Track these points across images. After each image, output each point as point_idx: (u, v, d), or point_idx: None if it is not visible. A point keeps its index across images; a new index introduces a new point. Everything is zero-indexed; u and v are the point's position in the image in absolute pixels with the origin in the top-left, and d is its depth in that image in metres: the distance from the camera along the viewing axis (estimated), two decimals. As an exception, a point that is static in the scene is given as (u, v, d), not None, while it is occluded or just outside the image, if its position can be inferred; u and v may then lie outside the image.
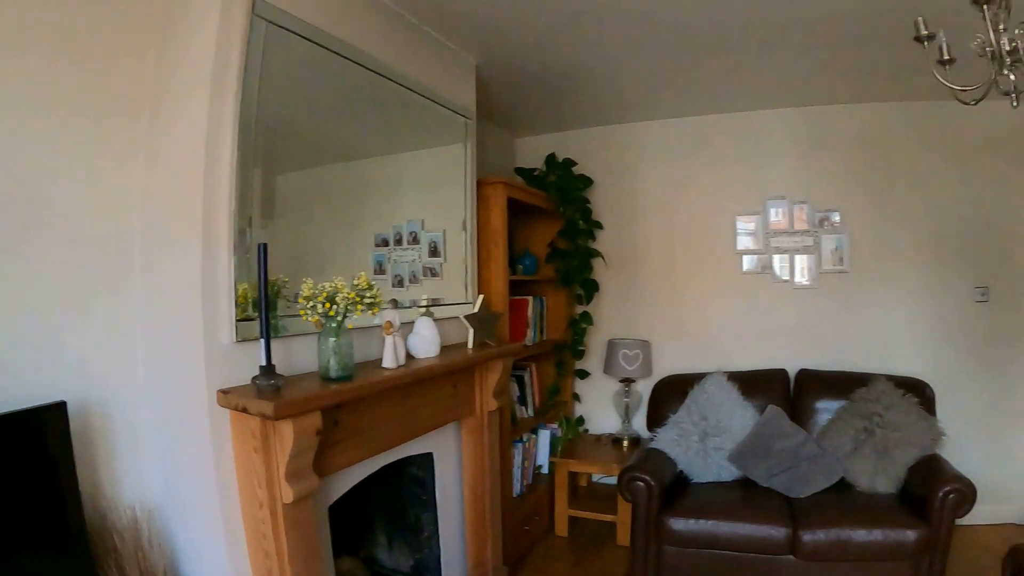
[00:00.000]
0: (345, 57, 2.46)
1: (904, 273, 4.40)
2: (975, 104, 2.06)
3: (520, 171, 4.62)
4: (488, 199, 3.63)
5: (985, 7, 1.76)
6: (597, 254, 4.66)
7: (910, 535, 3.15)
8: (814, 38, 3.27)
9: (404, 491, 3.01)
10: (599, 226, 4.71)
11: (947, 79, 2.03)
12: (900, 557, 3.17)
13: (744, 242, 4.62)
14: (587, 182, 4.59)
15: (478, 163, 3.71)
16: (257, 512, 1.92)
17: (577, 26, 3.10)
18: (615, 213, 4.81)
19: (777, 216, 4.56)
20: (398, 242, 2.97)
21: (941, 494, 3.15)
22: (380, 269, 2.86)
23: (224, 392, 1.88)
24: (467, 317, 2.97)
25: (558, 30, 3.13)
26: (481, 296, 3.14)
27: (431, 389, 2.72)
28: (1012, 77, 1.85)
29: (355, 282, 2.15)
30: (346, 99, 2.60)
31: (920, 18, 1.98)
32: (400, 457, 2.70)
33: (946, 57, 2.03)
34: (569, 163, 4.56)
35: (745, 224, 4.61)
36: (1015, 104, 1.91)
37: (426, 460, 2.93)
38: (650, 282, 4.78)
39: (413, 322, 2.69)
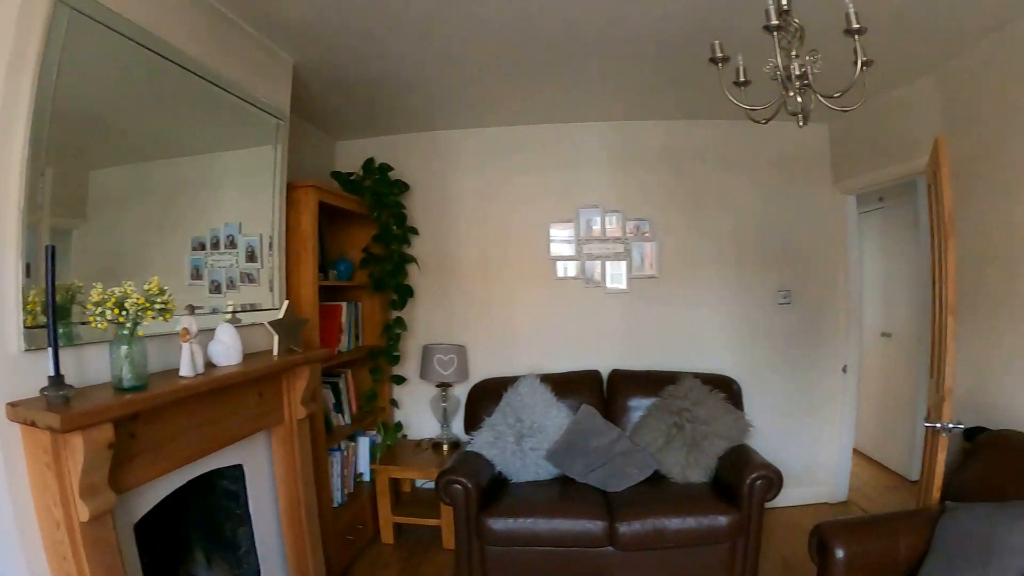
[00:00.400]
0: (153, 51, 2.36)
1: (712, 278, 4.88)
2: (765, 123, 2.34)
3: (336, 175, 4.61)
4: (299, 203, 3.59)
5: (776, 34, 1.94)
6: (412, 260, 4.74)
7: (722, 520, 3.47)
8: (625, 57, 3.54)
9: (218, 505, 2.91)
10: (414, 231, 4.79)
11: (742, 99, 2.25)
12: (715, 541, 3.50)
13: (558, 249, 4.89)
14: (403, 187, 4.66)
15: (298, 165, 3.69)
16: (55, 533, 1.82)
17: (395, 32, 3.14)
18: (432, 219, 4.92)
19: (590, 224, 4.87)
20: (215, 246, 2.88)
21: (749, 480, 3.51)
22: (197, 274, 2.76)
23: (12, 405, 1.76)
24: (271, 323, 2.92)
25: (377, 35, 3.16)
26: (287, 301, 3.10)
27: (235, 398, 2.65)
28: (799, 99, 2.07)
29: (146, 287, 2.07)
30: (156, 94, 2.48)
31: (716, 41, 2.15)
32: (208, 470, 2.62)
33: (742, 79, 2.25)
34: (385, 168, 4.61)
35: (559, 231, 4.88)
36: (801, 124, 2.15)
37: (237, 472, 2.85)
38: (466, 287, 4.93)
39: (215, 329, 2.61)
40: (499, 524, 3.52)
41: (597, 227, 4.89)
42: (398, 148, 4.90)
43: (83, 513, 1.81)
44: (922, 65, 3.73)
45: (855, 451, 5.87)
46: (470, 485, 3.54)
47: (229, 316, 2.73)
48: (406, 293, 4.68)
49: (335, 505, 3.97)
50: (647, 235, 4.87)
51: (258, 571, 2.94)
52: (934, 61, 3.67)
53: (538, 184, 4.89)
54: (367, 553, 4.19)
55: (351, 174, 4.64)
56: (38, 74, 1.88)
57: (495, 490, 3.82)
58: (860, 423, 6.02)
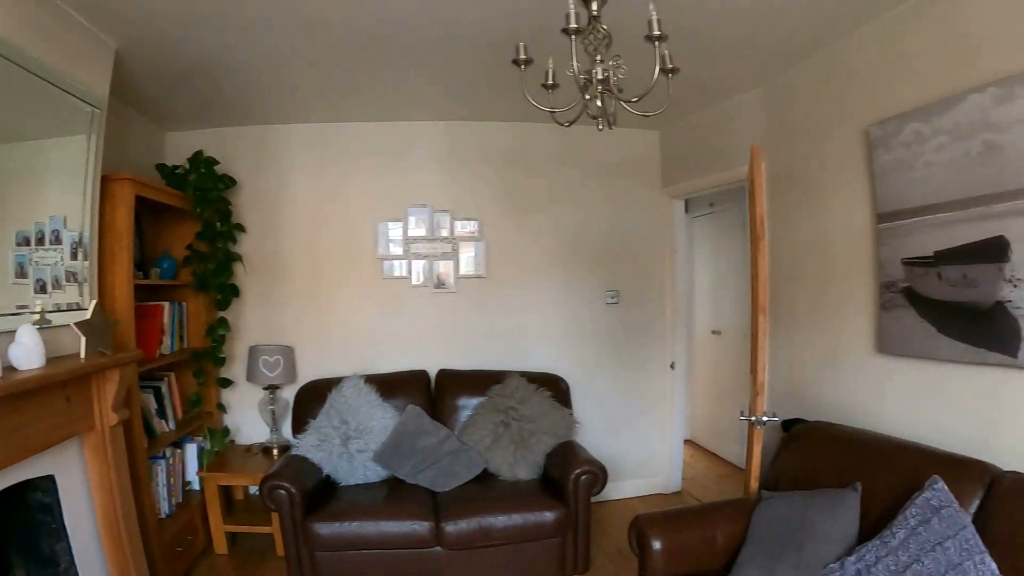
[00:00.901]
0: None
1: (540, 279, 5.06)
2: (568, 125, 2.41)
3: (161, 168, 4.40)
4: (114, 196, 3.41)
5: (576, 38, 1.99)
6: (237, 258, 4.60)
7: (549, 516, 3.62)
8: (457, 58, 3.61)
9: (33, 521, 2.72)
10: (241, 229, 4.64)
11: (552, 102, 2.31)
12: (543, 536, 3.65)
13: (386, 248, 4.90)
14: (230, 182, 4.51)
15: (124, 157, 3.51)
16: None
17: (222, 23, 3.06)
18: (261, 216, 4.80)
19: (418, 223, 4.92)
20: (40, 241, 2.70)
21: (574, 476, 3.67)
22: (22, 272, 2.58)
23: None
24: (77, 324, 2.75)
25: (203, 24, 3.06)
26: (94, 301, 2.94)
27: (40, 404, 2.48)
28: (599, 103, 2.15)
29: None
30: None
31: (521, 44, 2.20)
32: (14, 482, 2.45)
33: (551, 81, 2.32)
34: (210, 162, 4.43)
35: (387, 230, 4.90)
36: (600, 128, 2.24)
37: (49, 483, 2.68)
38: (294, 286, 4.85)
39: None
40: (325, 529, 3.51)
41: (426, 226, 4.95)
42: (229, 141, 4.73)
43: None
44: (751, 79, 4.06)
45: (691, 443, 6.37)
46: (294, 490, 3.51)
47: (37, 317, 2.57)
48: (231, 292, 4.54)
49: (162, 516, 3.82)
50: (475, 235, 4.99)
51: None
52: (762, 76, 3.99)
53: (368, 182, 4.90)
54: (200, 564, 4.05)
55: (177, 167, 4.44)
56: None
57: (323, 494, 3.80)
58: (694, 416, 6.52)
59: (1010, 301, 2.47)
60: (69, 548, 2.76)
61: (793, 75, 3.84)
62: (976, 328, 2.64)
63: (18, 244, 2.59)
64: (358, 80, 3.99)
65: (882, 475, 2.61)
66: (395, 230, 4.93)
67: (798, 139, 3.81)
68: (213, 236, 4.38)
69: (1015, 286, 2.45)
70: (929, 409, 2.91)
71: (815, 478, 2.88)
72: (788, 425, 3.45)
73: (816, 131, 3.64)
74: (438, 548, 3.58)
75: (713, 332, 6.51)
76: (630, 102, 2.15)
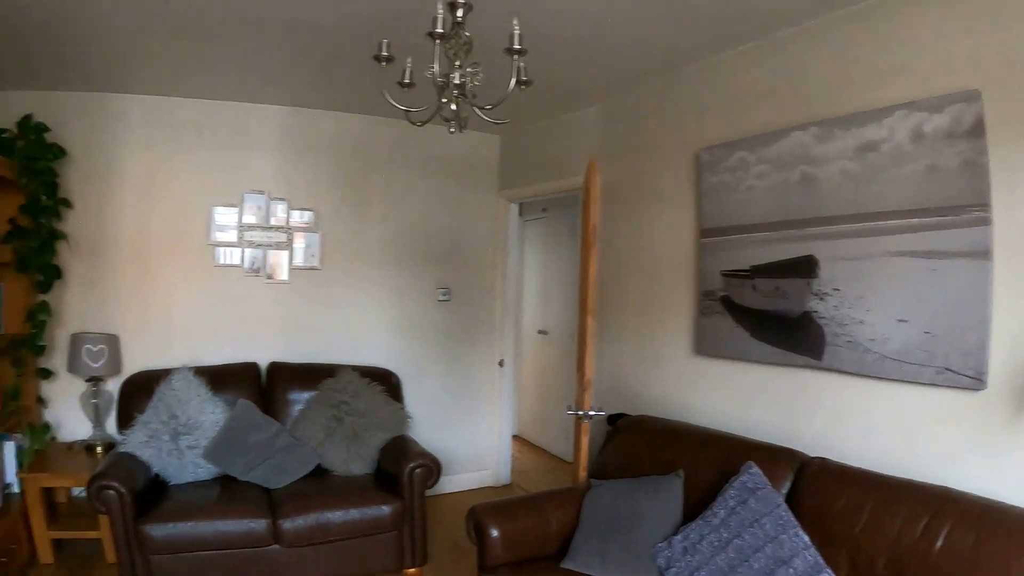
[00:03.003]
0: None
1: (374, 273, 5.10)
2: (421, 125, 2.49)
3: (-13, 130, 3.94)
4: None
5: (439, 42, 2.04)
6: (62, 236, 4.24)
7: (385, 510, 3.69)
8: (298, 43, 3.55)
9: None
10: (67, 204, 4.27)
11: (404, 100, 2.36)
12: (381, 530, 3.72)
13: (219, 234, 4.72)
14: (59, 152, 4.13)
15: None
16: None
17: None
18: (89, 192, 4.42)
19: (254, 210, 4.78)
20: None
21: (408, 469, 3.76)
22: None
23: None
24: None
25: None
26: None
27: None
28: (454, 107, 2.21)
29: None
30: None
31: (385, 40, 2.22)
32: None
33: (407, 80, 2.37)
34: (41, 128, 4.03)
35: (222, 216, 4.72)
36: (452, 131, 2.32)
37: None
38: (122, 270, 4.53)
39: None
40: (159, 531, 3.36)
41: (261, 214, 4.83)
42: (62, 106, 4.31)
43: None
44: (592, 95, 4.31)
45: (518, 438, 6.61)
46: (124, 490, 3.32)
47: None
48: (53, 274, 4.17)
49: None
50: (311, 226, 4.94)
51: None
52: (603, 93, 4.25)
53: (205, 163, 4.69)
54: (24, 576, 3.71)
55: (3, 131, 3.99)
56: None
57: (154, 494, 3.63)
58: (521, 412, 6.77)
59: (816, 311, 2.89)
60: None
61: (632, 96, 4.15)
62: (786, 334, 3.04)
63: None
64: (207, 54, 3.80)
65: (702, 462, 2.97)
66: (229, 216, 4.75)
67: (632, 155, 4.12)
68: (37, 211, 4.00)
69: (821, 299, 2.87)
70: (743, 404, 3.32)
71: (640, 467, 3.18)
72: (613, 419, 3.74)
73: (650, 149, 3.98)
74: (276, 546, 3.55)
75: (540, 332, 6.79)
76: (484, 109, 2.26)
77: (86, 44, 3.65)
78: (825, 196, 2.85)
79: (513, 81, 2.16)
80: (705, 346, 3.50)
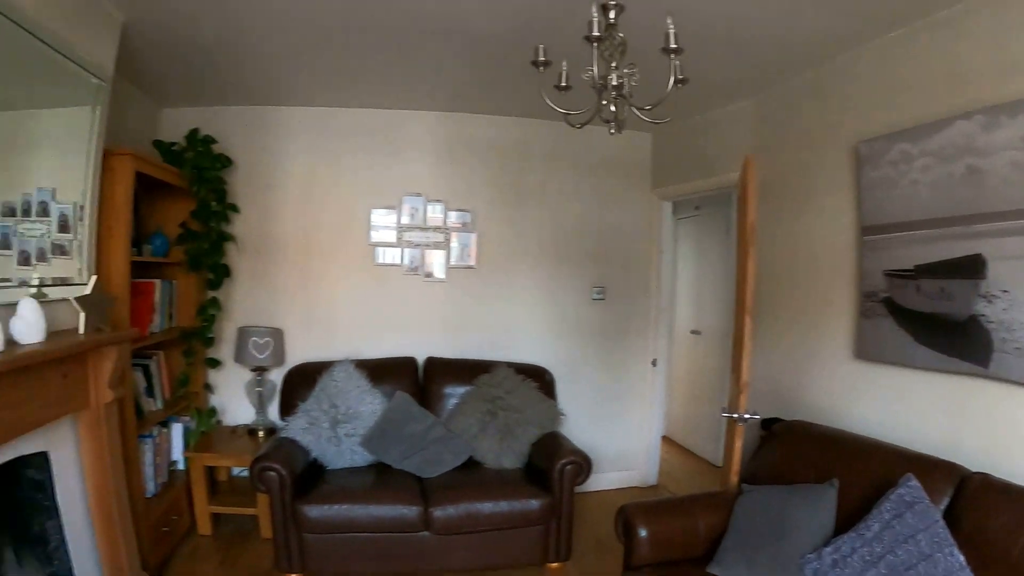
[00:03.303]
0: None
1: (529, 272, 5.13)
2: (581, 127, 2.47)
3: (158, 144, 4.38)
4: (114, 171, 3.38)
5: (597, 45, 2.05)
6: (230, 238, 4.62)
7: (534, 504, 3.71)
8: (459, 50, 3.64)
9: (24, 498, 2.71)
10: (235, 209, 4.66)
11: (562, 103, 2.38)
12: (527, 524, 3.74)
13: (379, 235, 4.93)
14: (226, 162, 4.51)
15: (119, 131, 3.46)
16: None
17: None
18: (255, 197, 4.80)
19: (412, 212, 4.95)
20: (27, 212, 2.67)
21: (559, 466, 3.76)
22: (6, 243, 2.55)
23: None
24: (78, 299, 2.76)
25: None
26: (94, 277, 2.95)
27: (37, 379, 2.47)
28: (612, 108, 2.21)
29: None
30: None
31: (540, 46, 2.26)
32: (8, 458, 2.44)
33: (563, 84, 2.37)
34: (209, 140, 4.43)
35: (381, 217, 4.92)
36: (612, 132, 2.31)
37: (43, 460, 2.67)
38: (286, 269, 4.87)
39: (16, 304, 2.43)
40: (315, 511, 3.56)
41: (419, 215, 4.98)
42: (225, 120, 4.72)
43: None
44: (744, 89, 4.16)
45: (666, 439, 6.43)
46: (284, 472, 3.55)
47: (35, 291, 2.57)
48: (222, 273, 4.54)
49: (148, 495, 3.82)
50: (468, 226, 5.04)
51: (70, 568, 2.78)
52: (755, 86, 4.09)
53: (364, 168, 4.92)
54: (185, 545, 4.08)
55: (174, 144, 4.42)
56: None
57: (311, 477, 3.84)
58: (670, 413, 6.59)
59: (984, 315, 2.62)
60: (60, 526, 2.76)
61: (787, 88, 3.95)
62: (951, 339, 2.78)
63: (4, 214, 2.55)
64: (360, 66, 4.00)
65: (857, 472, 2.76)
66: (388, 217, 4.96)
67: (788, 150, 3.93)
68: (208, 215, 4.38)
69: (989, 302, 2.59)
70: (902, 412, 3.07)
71: (793, 474, 3.01)
72: (768, 424, 3.56)
73: (806, 144, 3.76)
74: (426, 532, 3.66)
75: (692, 332, 6.59)
76: (643, 109, 2.23)
77: (246, 64, 3.99)
78: (993, 190, 2.58)
79: (672, 80, 2.12)
80: (865, 350, 3.28)
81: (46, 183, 2.80)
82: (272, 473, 3.54)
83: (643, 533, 2.91)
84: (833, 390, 3.53)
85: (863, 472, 2.72)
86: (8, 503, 2.71)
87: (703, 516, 3.02)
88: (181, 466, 4.33)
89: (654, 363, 5.42)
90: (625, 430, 5.43)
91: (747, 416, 3.30)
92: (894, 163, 3.05)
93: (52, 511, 2.74)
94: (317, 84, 4.40)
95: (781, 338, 3.94)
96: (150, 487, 3.89)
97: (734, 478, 3.34)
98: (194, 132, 4.45)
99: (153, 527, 3.66)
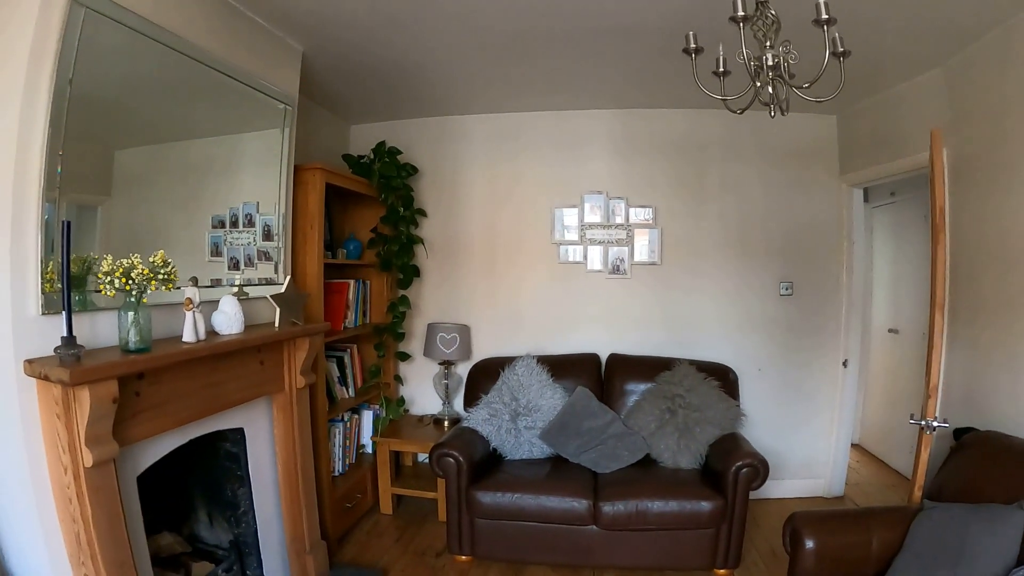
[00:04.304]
0: (163, 44, 2.58)
1: (713, 267, 5.02)
2: (741, 112, 2.41)
3: (347, 158, 4.83)
4: (306, 184, 3.82)
5: (745, 25, 2.01)
6: (419, 240, 4.98)
7: (705, 506, 3.64)
8: (630, 47, 3.68)
9: (220, 467, 3.17)
10: (423, 213, 5.05)
11: (721, 89, 2.33)
12: (697, 526, 3.68)
13: (561, 233, 5.06)
14: (411, 170, 4.88)
15: (314, 148, 3.93)
16: (62, 478, 2.09)
17: (400, 23, 3.34)
18: (441, 202, 5.15)
19: (594, 210, 5.03)
20: (234, 224, 3.15)
21: (735, 468, 3.66)
22: (217, 251, 3.03)
23: (29, 362, 2.03)
24: (273, 296, 3.14)
25: (382, 25, 3.36)
26: (288, 277, 3.35)
27: (236, 364, 2.89)
28: (771, 90, 2.15)
29: (152, 259, 2.34)
30: (168, 82, 2.71)
31: (691, 32, 2.26)
32: (210, 431, 2.88)
33: (721, 69, 2.33)
34: (394, 152, 4.81)
35: (563, 216, 5.05)
36: (773, 115, 2.21)
37: (239, 435, 3.11)
38: (471, 268, 5.15)
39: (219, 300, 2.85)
40: (487, 498, 3.76)
41: (601, 213, 5.05)
42: (409, 132, 5.13)
43: (88, 459, 2.08)
44: (929, 58, 3.78)
45: (858, 447, 6.01)
46: (461, 459, 3.78)
47: (236, 289, 3.00)
48: (411, 273, 4.91)
49: (336, 474, 4.26)
50: (650, 222, 5.02)
51: (255, 531, 3.19)
52: (941, 54, 3.71)
53: (544, 170, 5.08)
54: (366, 521, 4.46)
55: (362, 157, 4.85)
56: (56, 65, 2.12)
57: (489, 466, 4.05)
58: (864, 419, 6.15)
59: None
60: (250, 493, 3.18)
61: (973, 52, 3.52)
62: None
63: (214, 226, 3.04)
64: (529, 72, 4.17)
65: (1057, 497, 2.42)
66: (571, 216, 5.08)
67: (982, 121, 3.49)
68: (396, 220, 4.77)
69: None
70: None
71: (979, 491, 2.72)
72: (960, 434, 3.23)
73: (1011, 111, 3.30)
74: (593, 527, 3.72)
75: (890, 330, 6.08)
76: (802, 87, 2.14)
77: (418, 80, 4.31)
78: None
79: (828, 53, 2.02)
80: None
81: (250, 197, 3.29)
82: (450, 459, 3.79)
83: (809, 544, 2.76)
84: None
85: (1063, 497, 2.41)
86: (206, 471, 3.19)
87: (878, 532, 2.79)
88: (369, 450, 4.76)
89: (845, 364, 5.07)
90: (811, 435, 5.13)
91: (935, 423, 3.02)
92: None
93: (244, 480, 3.17)
94: (489, 94, 4.65)
95: (979, 337, 3.55)
96: (338, 467, 4.33)
97: (918, 492, 3.08)
98: (380, 145, 4.87)
99: (337, 502, 4.08)
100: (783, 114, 2.25)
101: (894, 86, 4.27)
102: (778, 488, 4.89)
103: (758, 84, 2.15)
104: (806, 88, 2.12)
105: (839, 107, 4.81)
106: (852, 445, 5.50)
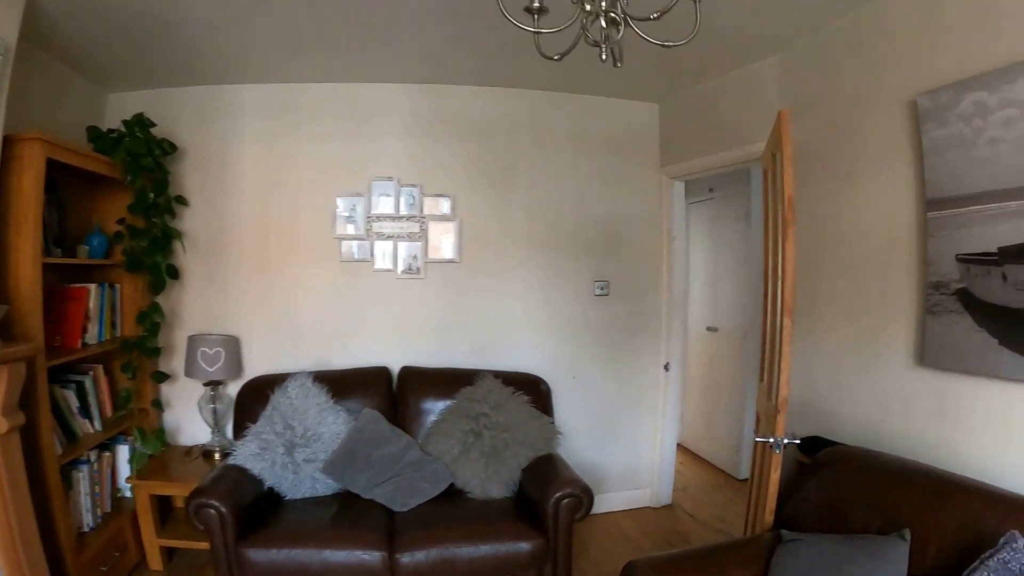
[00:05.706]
0: None
1: (521, 266, 4.61)
2: (559, 59, 1.94)
3: (91, 130, 3.88)
4: (21, 158, 2.97)
5: None
6: (176, 235, 4.14)
7: (524, 547, 3.20)
8: (428, 10, 3.18)
9: None
10: (183, 202, 4.19)
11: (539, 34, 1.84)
12: (516, 570, 3.20)
13: (344, 226, 4.43)
14: (169, 148, 4.03)
15: (59, 117, 3.24)
16: None
17: None
18: (206, 189, 4.32)
19: (382, 199, 4.46)
20: None
21: (555, 499, 3.24)
22: None
23: None
24: None
25: None
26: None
27: None
28: (602, 23, 1.71)
29: None
30: None
31: None
32: None
33: (536, 5, 1.79)
34: (147, 124, 3.92)
35: (347, 206, 4.43)
36: (603, 57, 1.81)
37: None
38: (240, 268, 4.37)
39: None
40: (260, 556, 3.10)
41: (391, 203, 4.47)
42: (176, 104, 4.26)
43: None
44: (768, 43, 3.65)
45: (680, 447, 5.97)
46: (224, 509, 3.08)
47: None
48: (166, 274, 4.05)
49: (86, 529, 3.44)
50: (448, 214, 4.53)
51: None
52: (782, 41, 3.58)
53: (327, 150, 4.43)
54: (132, 582, 3.65)
55: (112, 131, 3.92)
56: None
57: (265, 510, 3.39)
58: (685, 418, 6.14)
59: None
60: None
61: (818, 39, 3.42)
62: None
63: None
64: (321, 34, 3.55)
65: (935, 520, 2.17)
66: (356, 206, 4.45)
67: (824, 113, 3.40)
68: (147, 209, 3.89)
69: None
70: (988, 437, 2.49)
71: (848, 519, 2.45)
72: (810, 447, 2.98)
73: (847, 103, 3.23)
74: (391, 583, 3.17)
75: (709, 328, 6.11)
76: (645, 20, 1.71)
77: (191, 37, 3.57)
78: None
79: None
80: (933, 355, 2.70)
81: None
82: (210, 510, 3.07)
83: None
84: (888, 405, 2.96)
85: (943, 520, 2.13)
86: None
87: (734, 573, 2.42)
88: (129, 493, 3.87)
89: (667, 367, 4.87)
90: (634, 444, 4.91)
91: (785, 441, 2.70)
92: (966, 118, 2.49)
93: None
94: (273, 58, 3.94)
95: (820, 342, 3.41)
96: (87, 520, 3.47)
97: (768, 518, 2.74)
98: (135, 117, 3.95)
99: (88, 565, 3.26)
100: (616, 64, 1.84)
101: (726, 72, 4.14)
102: (603, 502, 4.60)
103: (587, 7, 1.72)
104: (653, 19, 1.69)
105: (662, 93, 4.64)
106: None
